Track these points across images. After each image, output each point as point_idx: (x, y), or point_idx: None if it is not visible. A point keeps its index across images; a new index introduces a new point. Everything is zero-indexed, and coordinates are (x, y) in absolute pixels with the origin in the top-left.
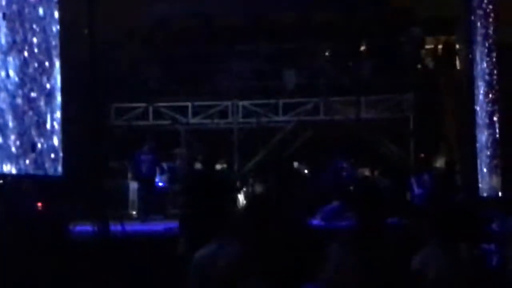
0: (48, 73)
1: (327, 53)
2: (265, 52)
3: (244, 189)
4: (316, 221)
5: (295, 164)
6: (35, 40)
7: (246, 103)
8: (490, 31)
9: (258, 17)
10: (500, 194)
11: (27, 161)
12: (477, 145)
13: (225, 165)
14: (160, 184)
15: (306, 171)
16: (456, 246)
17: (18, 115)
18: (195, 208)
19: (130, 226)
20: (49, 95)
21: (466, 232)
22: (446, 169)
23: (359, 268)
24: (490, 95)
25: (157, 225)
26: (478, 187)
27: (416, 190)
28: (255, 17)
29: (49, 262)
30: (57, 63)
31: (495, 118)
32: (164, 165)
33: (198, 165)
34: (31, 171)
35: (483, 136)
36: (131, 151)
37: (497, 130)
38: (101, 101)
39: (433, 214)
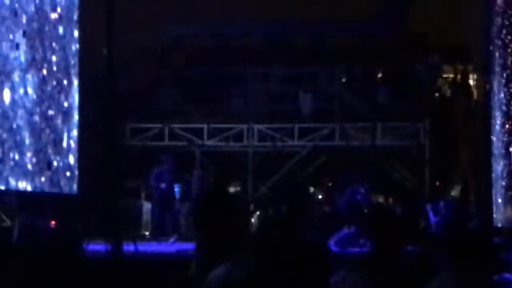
0: (66, 91)
1: (343, 79)
2: (282, 76)
3: (258, 212)
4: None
5: (311, 189)
6: (54, 58)
7: (261, 126)
8: (508, 62)
9: (275, 40)
10: None
11: (43, 179)
12: (493, 175)
13: (238, 188)
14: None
15: (320, 196)
16: (471, 275)
17: (35, 133)
18: (207, 229)
19: (143, 246)
20: (67, 113)
21: (480, 260)
22: (461, 198)
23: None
24: (507, 126)
25: (171, 246)
26: (492, 217)
27: (432, 218)
28: (272, 40)
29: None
30: (75, 82)
31: (511, 149)
32: (178, 186)
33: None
34: (46, 188)
35: (498, 167)
36: (146, 171)
37: None
38: (117, 121)
39: (447, 241)
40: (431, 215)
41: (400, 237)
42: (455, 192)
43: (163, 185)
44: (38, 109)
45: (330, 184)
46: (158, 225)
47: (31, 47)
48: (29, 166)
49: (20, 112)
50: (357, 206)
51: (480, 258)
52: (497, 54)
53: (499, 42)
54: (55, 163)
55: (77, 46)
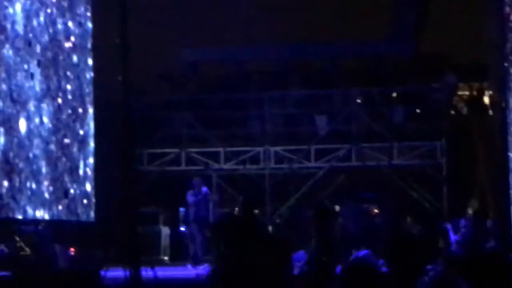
0: (81, 119)
1: (359, 99)
2: (297, 98)
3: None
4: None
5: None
6: (69, 87)
7: (278, 149)
8: None
9: (290, 62)
10: None
11: (60, 207)
12: (511, 192)
13: (257, 211)
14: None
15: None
16: None
17: (51, 161)
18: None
19: (162, 272)
20: (82, 141)
21: (498, 281)
22: (480, 216)
23: None
24: None
25: (189, 271)
26: (511, 234)
27: (452, 237)
28: (287, 63)
29: None
30: (90, 110)
31: None
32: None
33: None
34: (63, 217)
35: None
36: (164, 196)
37: None
38: (134, 147)
39: (465, 261)
40: (451, 233)
41: (417, 258)
42: (473, 210)
43: (194, 210)
44: (54, 138)
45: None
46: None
47: (46, 77)
48: (46, 195)
49: (36, 141)
50: (373, 227)
51: (498, 279)
52: (511, 70)
53: None
54: (72, 191)
55: (92, 74)
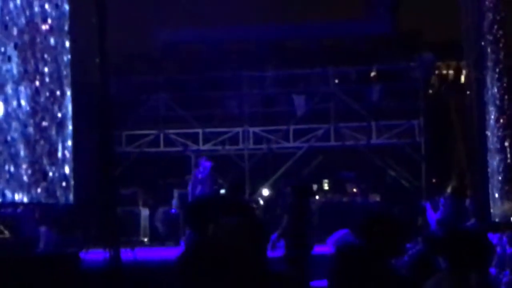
0: (59, 102)
1: (336, 79)
2: (275, 78)
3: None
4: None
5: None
6: (46, 69)
7: (256, 129)
8: (501, 56)
9: (267, 42)
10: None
11: (39, 190)
12: (489, 170)
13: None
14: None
15: (318, 197)
16: (467, 273)
17: (30, 144)
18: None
19: (142, 253)
20: (61, 123)
21: (476, 259)
22: (458, 194)
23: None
24: (501, 120)
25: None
26: (489, 212)
27: (433, 215)
28: (264, 43)
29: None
30: (68, 92)
31: (506, 143)
32: (176, 191)
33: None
34: (42, 199)
35: (494, 161)
36: (143, 178)
37: (509, 155)
38: (112, 129)
39: (443, 240)
40: (430, 212)
41: (397, 238)
42: (451, 189)
43: (198, 189)
44: (32, 121)
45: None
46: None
47: (23, 59)
48: (25, 178)
49: (14, 124)
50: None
51: (477, 257)
52: (489, 49)
53: (490, 37)
54: (50, 174)
55: (69, 56)
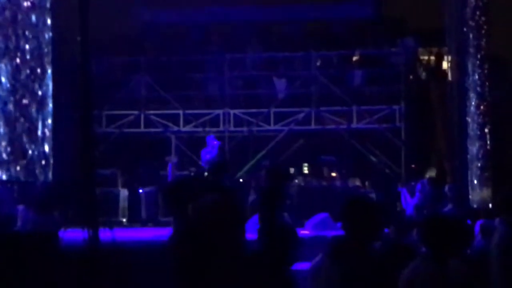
0: (40, 79)
1: (318, 63)
2: (257, 61)
3: None
4: (305, 230)
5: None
6: (27, 46)
7: (237, 111)
8: (482, 43)
9: (250, 25)
10: (490, 206)
11: (18, 168)
12: (468, 156)
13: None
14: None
15: (297, 181)
16: (445, 259)
17: (10, 122)
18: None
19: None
20: (41, 102)
21: (454, 245)
22: (437, 180)
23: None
24: (482, 107)
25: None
26: (468, 198)
27: (409, 200)
28: (246, 25)
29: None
30: (49, 70)
31: (486, 130)
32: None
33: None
34: (22, 177)
35: (474, 148)
36: (123, 158)
37: (488, 142)
38: (93, 108)
39: (421, 226)
40: (407, 197)
41: (375, 222)
42: (430, 175)
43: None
44: (12, 98)
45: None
46: None
47: (4, 36)
48: (4, 156)
49: None
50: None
51: (455, 242)
52: (471, 35)
53: (472, 24)
54: (30, 152)
55: (50, 34)
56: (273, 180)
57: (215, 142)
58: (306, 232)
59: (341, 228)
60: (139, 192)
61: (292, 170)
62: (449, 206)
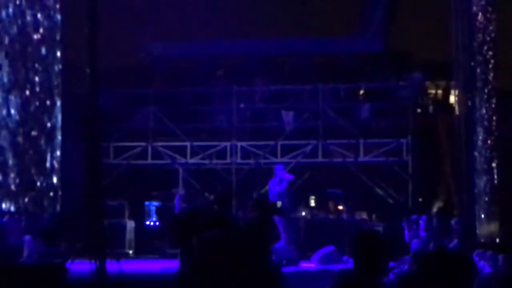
0: (49, 111)
1: (326, 96)
2: (264, 93)
3: None
4: (311, 264)
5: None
6: (37, 79)
7: (244, 144)
8: (490, 77)
9: (258, 58)
10: (497, 240)
11: (26, 199)
12: (475, 190)
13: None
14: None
15: (304, 213)
16: None
17: (18, 153)
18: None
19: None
20: (50, 133)
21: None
22: (443, 214)
23: None
24: (489, 141)
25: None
26: (475, 233)
27: (407, 235)
28: (255, 58)
29: None
30: (58, 102)
31: (493, 164)
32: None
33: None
34: (30, 209)
35: (481, 182)
36: (130, 190)
37: (496, 176)
38: (101, 140)
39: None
40: (413, 231)
41: (384, 256)
42: (438, 208)
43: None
44: (21, 130)
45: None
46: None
47: (14, 68)
48: (13, 187)
49: (4, 133)
50: (340, 224)
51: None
52: (478, 70)
53: (480, 58)
54: (38, 184)
55: (60, 66)
56: (260, 212)
57: (286, 175)
58: (312, 265)
59: (351, 261)
60: (145, 224)
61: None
62: (455, 241)
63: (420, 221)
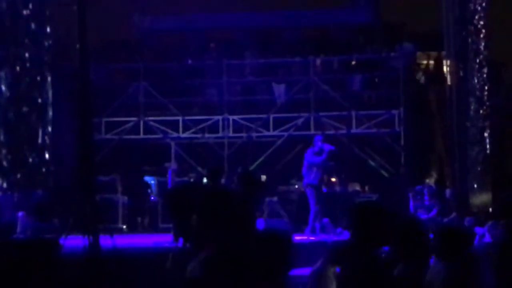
0: (40, 87)
1: (317, 68)
2: (255, 66)
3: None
4: (305, 236)
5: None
6: (27, 55)
7: (236, 117)
8: (481, 47)
9: (248, 31)
10: (490, 210)
11: (19, 175)
12: (468, 161)
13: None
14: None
15: (297, 186)
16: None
17: (10, 130)
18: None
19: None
20: (41, 109)
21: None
22: (437, 184)
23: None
24: (481, 111)
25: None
26: (468, 203)
27: (419, 204)
28: (245, 31)
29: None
30: (49, 78)
31: (485, 134)
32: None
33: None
34: (22, 185)
35: (473, 152)
36: (122, 165)
37: (488, 146)
38: (92, 115)
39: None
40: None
41: (384, 228)
42: (430, 179)
43: (313, 172)
44: (12, 106)
45: None
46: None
47: (4, 44)
48: (5, 163)
49: None
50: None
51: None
52: (469, 40)
53: (471, 28)
54: (30, 160)
55: (50, 41)
56: (245, 186)
57: (326, 146)
58: (305, 237)
59: (345, 233)
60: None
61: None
62: (453, 214)
63: (424, 191)
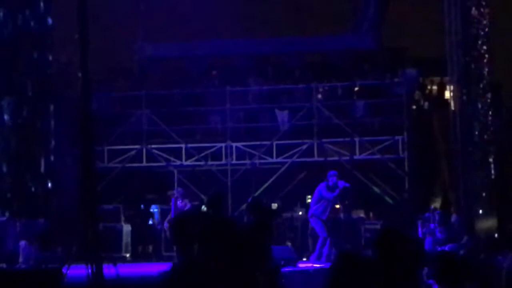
0: (42, 116)
1: (320, 94)
2: (258, 93)
3: None
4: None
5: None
6: (29, 83)
7: (239, 144)
8: (484, 72)
9: (251, 57)
10: (496, 235)
11: (21, 204)
12: (473, 186)
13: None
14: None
15: (301, 213)
16: None
17: (12, 159)
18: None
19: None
20: (43, 138)
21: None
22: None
23: None
24: (485, 136)
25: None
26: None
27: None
28: (248, 58)
29: None
30: (51, 107)
31: (490, 159)
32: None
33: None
34: (25, 214)
35: (478, 177)
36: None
37: (492, 171)
38: (95, 144)
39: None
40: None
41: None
42: (435, 205)
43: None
44: (14, 135)
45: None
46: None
47: (6, 73)
48: (7, 192)
49: None
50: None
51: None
52: (473, 65)
53: (474, 53)
54: (33, 188)
55: (52, 70)
56: (255, 215)
57: (341, 183)
58: (310, 264)
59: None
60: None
61: (275, 205)
62: (465, 238)
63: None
